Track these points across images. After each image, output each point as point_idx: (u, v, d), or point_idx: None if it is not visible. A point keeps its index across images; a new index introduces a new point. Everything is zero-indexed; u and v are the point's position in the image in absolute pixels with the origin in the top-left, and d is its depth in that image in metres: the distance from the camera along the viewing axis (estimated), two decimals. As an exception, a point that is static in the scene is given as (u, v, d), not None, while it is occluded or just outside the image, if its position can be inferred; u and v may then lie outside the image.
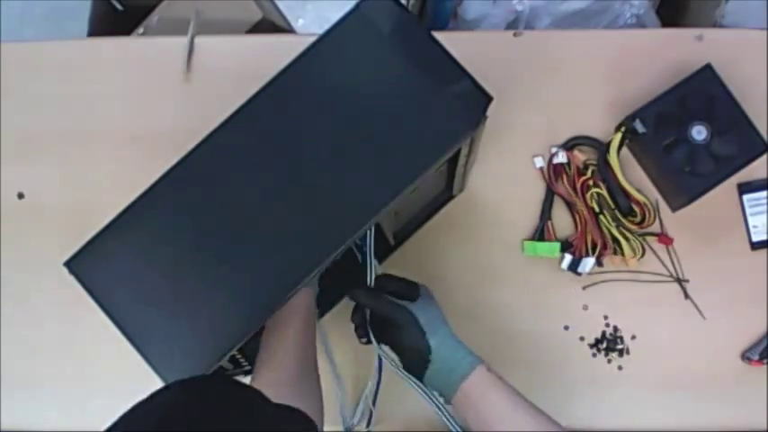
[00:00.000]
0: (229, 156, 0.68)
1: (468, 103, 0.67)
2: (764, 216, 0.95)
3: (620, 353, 0.94)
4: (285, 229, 0.67)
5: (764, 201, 0.95)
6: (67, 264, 0.67)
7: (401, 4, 0.69)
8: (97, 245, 0.67)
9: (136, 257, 0.67)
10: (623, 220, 0.94)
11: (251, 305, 0.67)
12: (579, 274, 0.94)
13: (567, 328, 0.94)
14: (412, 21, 0.69)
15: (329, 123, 0.68)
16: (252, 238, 0.67)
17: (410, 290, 0.77)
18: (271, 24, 1.23)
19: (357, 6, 0.69)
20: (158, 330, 0.66)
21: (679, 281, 0.95)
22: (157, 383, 0.64)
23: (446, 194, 0.95)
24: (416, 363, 0.75)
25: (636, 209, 0.94)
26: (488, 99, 0.68)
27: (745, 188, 0.95)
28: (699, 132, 0.90)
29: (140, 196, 0.68)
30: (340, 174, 0.68)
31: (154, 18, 1.21)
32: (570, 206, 0.96)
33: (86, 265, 0.67)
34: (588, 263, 0.93)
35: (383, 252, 0.94)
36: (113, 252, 0.67)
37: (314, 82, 0.68)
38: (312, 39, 0.69)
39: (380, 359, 0.78)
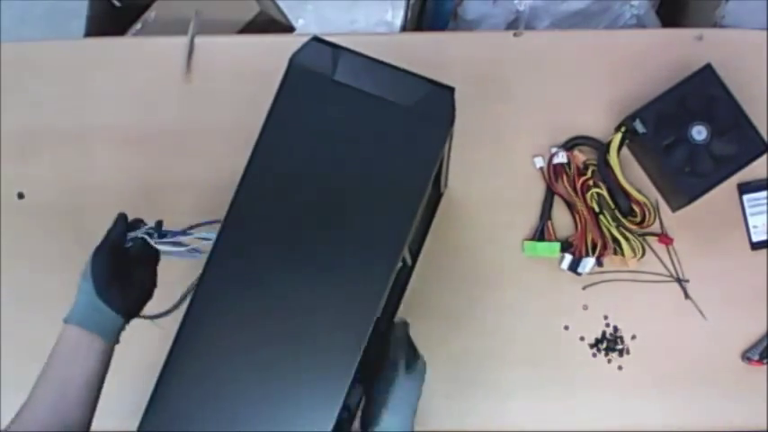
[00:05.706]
0: (239, 274, 0.65)
1: (436, 103, 0.66)
2: (764, 216, 0.95)
3: (620, 353, 0.94)
4: (332, 297, 0.64)
5: (764, 201, 0.95)
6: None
7: (327, 41, 0.68)
8: (157, 403, 0.65)
9: (194, 400, 0.65)
10: (623, 220, 0.94)
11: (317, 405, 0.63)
12: (579, 274, 0.94)
13: (567, 328, 0.94)
14: (346, 52, 0.68)
15: (318, 185, 0.66)
16: (297, 335, 0.64)
17: (411, 358, 0.74)
18: (268, 19, 1.22)
19: (290, 62, 0.67)
20: None
21: (679, 281, 0.95)
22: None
23: (435, 194, 0.95)
24: (363, 419, 0.72)
25: (636, 209, 0.94)
26: (451, 91, 0.67)
27: (745, 188, 0.95)
28: (699, 132, 0.90)
29: (176, 341, 0.65)
30: (357, 222, 0.65)
31: (152, 13, 1.21)
32: (570, 206, 0.96)
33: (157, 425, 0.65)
34: (588, 263, 0.93)
35: (406, 275, 0.94)
36: (175, 403, 0.65)
37: (290, 152, 0.66)
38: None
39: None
